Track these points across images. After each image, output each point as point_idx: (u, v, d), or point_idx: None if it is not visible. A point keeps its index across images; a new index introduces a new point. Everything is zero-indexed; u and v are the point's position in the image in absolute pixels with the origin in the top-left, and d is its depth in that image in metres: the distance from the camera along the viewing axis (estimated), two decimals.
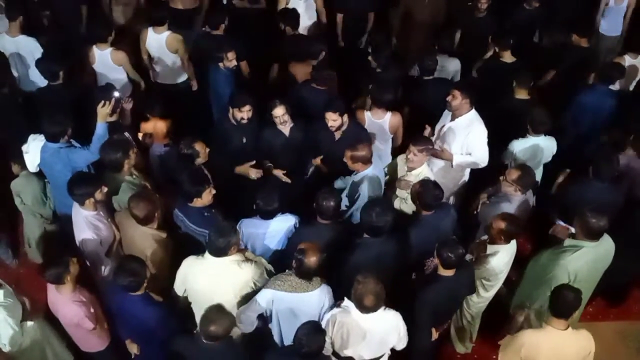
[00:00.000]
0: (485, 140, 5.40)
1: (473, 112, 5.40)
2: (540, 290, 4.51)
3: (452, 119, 5.46)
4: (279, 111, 5.36)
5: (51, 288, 4.26)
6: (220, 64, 5.95)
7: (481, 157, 5.43)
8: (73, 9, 7.12)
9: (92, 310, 4.29)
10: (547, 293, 4.40)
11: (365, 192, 4.96)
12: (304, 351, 3.63)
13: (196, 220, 4.66)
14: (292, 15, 6.61)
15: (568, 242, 4.51)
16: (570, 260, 4.41)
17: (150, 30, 6.45)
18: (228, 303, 4.25)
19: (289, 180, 5.60)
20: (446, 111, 5.56)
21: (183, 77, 6.74)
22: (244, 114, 5.38)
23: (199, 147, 5.09)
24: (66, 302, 4.19)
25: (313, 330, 3.67)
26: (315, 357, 3.71)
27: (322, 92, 5.80)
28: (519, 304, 4.75)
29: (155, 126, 5.94)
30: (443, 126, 5.56)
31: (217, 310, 3.95)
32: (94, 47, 6.23)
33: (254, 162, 5.53)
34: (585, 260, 4.43)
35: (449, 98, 5.36)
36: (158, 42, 6.44)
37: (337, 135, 5.38)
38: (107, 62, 6.25)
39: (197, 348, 3.92)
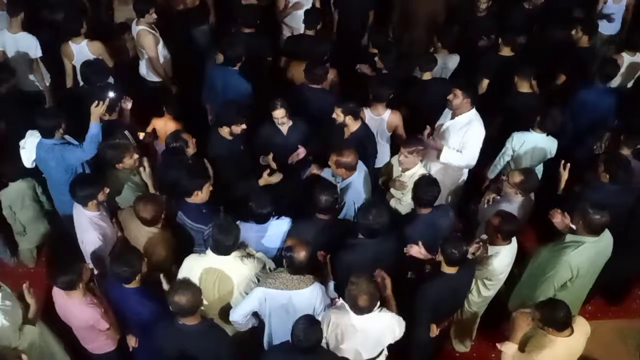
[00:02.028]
0: (480, 142, 5.39)
1: (473, 111, 5.40)
2: (543, 288, 4.52)
3: (452, 118, 5.46)
4: (279, 113, 5.35)
5: (59, 293, 4.21)
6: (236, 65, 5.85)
7: (470, 157, 5.41)
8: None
9: (103, 310, 4.28)
10: (550, 290, 4.46)
11: (350, 200, 4.93)
12: (305, 346, 3.63)
13: (194, 216, 4.67)
14: (313, 15, 6.59)
15: (569, 237, 4.51)
16: (572, 256, 4.42)
17: (133, 23, 6.45)
18: (232, 299, 4.27)
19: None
20: (446, 110, 5.55)
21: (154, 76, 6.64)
22: (243, 125, 5.34)
23: (187, 136, 5.08)
24: (79, 305, 4.16)
25: (309, 324, 3.66)
26: (314, 351, 3.71)
27: (320, 90, 5.79)
28: (520, 302, 4.73)
29: (166, 124, 5.92)
30: (442, 124, 5.55)
31: (182, 282, 3.88)
32: (70, 42, 6.21)
33: (268, 170, 5.33)
34: (587, 255, 4.45)
35: (450, 97, 5.35)
36: (135, 34, 6.42)
37: (346, 133, 5.37)
38: (86, 54, 6.18)
39: (174, 331, 3.87)
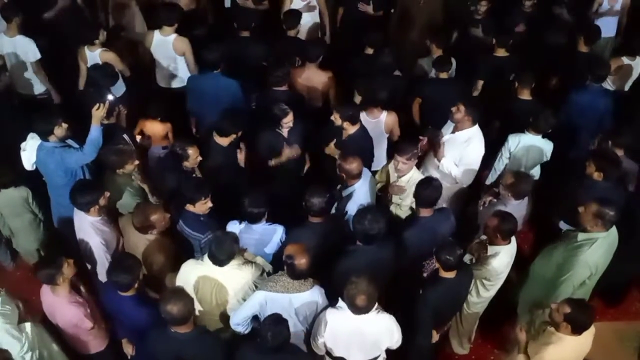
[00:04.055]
0: (478, 162, 5.40)
1: (475, 128, 5.36)
2: (562, 288, 4.53)
3: (454, 131, 5.45)
4: (290, 117, 5.36)
5: (47, 291, 4.26)
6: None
7: (465, 175, 5.43)
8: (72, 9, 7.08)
9: (89, 310, 4.31)
10: (569, 289, 4.48)
11: (353, 207, 4.80)
12: (271, 345, 3.67)
13: (192, 224, 4.68)
14: (293, 16, 6.59)
15: (582, 236, 4.52)
16: (589, 254, 4.46)
17: (156, 33, 6.35)
18: (229, 305, 4.28)
19: (299, 151, 5.57)
20: (449, 122, 5.52)
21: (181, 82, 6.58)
22: (239, 132, 5.37)
23: (191, 151, 5.05)
24: (63, 303, 4.21)
25: (275, 324, 3.70)
26: (283, 349, 3.74)
27: (281, 92, 5.80)
28: (535, 303, 4.71)
29: (152, 127, 5.93)
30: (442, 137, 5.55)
31: (174, 291, 3.90)
32: (85, 48, 6.21)
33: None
34: (602, 251, 4.50)
35: (453, 109, 5.33)
36: (164, 44, 6.33)
37: (344, 135, 5.39)
38: (97, 62, 6.17)
39: (167, 338, 3.88)
